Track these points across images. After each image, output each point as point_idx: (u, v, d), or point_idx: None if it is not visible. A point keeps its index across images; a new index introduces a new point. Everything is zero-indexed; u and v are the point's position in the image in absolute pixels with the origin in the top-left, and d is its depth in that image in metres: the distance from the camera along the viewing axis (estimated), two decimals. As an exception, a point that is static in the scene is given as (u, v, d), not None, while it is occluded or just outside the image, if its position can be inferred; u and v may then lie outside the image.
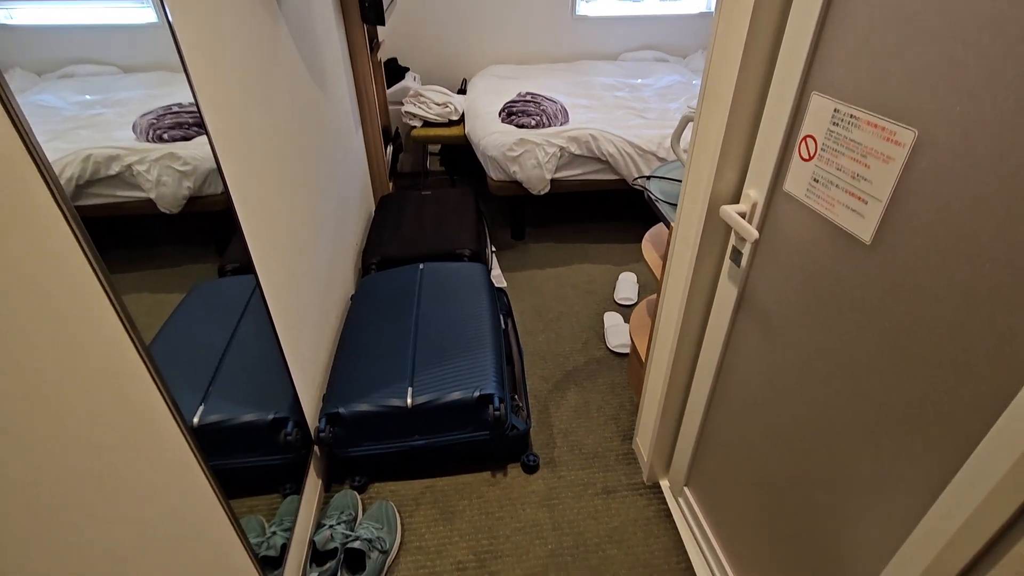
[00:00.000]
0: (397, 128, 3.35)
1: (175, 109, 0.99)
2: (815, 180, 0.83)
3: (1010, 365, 0.59)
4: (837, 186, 0.79)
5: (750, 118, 0.96)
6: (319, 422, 1.47)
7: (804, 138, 0.85)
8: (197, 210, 1.09)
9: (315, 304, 1.63)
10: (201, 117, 1.00)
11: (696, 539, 1.40)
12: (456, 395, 1.47)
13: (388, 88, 3.24)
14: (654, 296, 1.94)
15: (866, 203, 0.75)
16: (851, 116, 0.75)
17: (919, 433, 0.71)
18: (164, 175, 0.99)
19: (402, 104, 3.15)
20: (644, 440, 1.59)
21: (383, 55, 3.18)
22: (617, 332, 2.12)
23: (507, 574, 1.38)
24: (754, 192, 0.97)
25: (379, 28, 2.85)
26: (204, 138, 1.05)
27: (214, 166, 1.06)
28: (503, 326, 1.92)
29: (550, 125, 2.58)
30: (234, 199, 1.10)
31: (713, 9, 3.57)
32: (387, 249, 2.19)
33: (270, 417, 1.36)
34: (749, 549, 1.17)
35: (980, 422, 0.62)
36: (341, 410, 1.46)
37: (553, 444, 1.73)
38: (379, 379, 1.54)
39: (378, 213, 2.53)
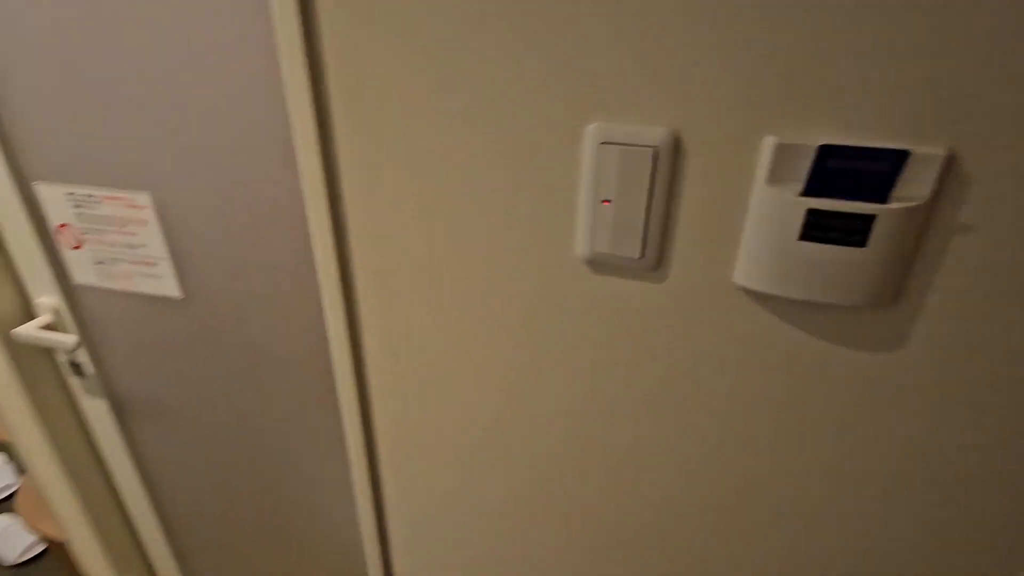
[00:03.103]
0: None
1: None
2: (100, 263, 0.80)
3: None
4: (123, 260, 0.79)
5: (-18, 226, 0.81)
6: None
7: (59, 228, 0.79)
8: None
9: None
10: None
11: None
12: None
13: None
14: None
15: (155, 265, 0.78)
16: (88, 196, 0.75)
17: (313, 413, 0.85)
18: None
19: None
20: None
21: None
22: (10, 538, 1.51)
23: None
24: (48, 299, 0.85)
25: None
26: None
27: None
28: None
29: None
30: None
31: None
32: None
33: None
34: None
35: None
36: None
37: None
38: None
39: None
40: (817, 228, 0.43)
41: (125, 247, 0.77)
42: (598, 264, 0.52)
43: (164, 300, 0.81)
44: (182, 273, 0.77)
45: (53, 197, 0.76)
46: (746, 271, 0.47)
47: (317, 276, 0.64)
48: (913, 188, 0.40)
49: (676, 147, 0.45)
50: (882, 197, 0.41)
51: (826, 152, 0.40)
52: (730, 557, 0.63)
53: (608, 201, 0.48)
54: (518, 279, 0.56)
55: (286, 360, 0.78)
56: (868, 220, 0.41)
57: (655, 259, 0.50)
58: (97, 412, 0.96)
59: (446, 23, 0.47)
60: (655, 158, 0.46)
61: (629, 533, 0.67)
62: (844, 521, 0.56)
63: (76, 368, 0.90)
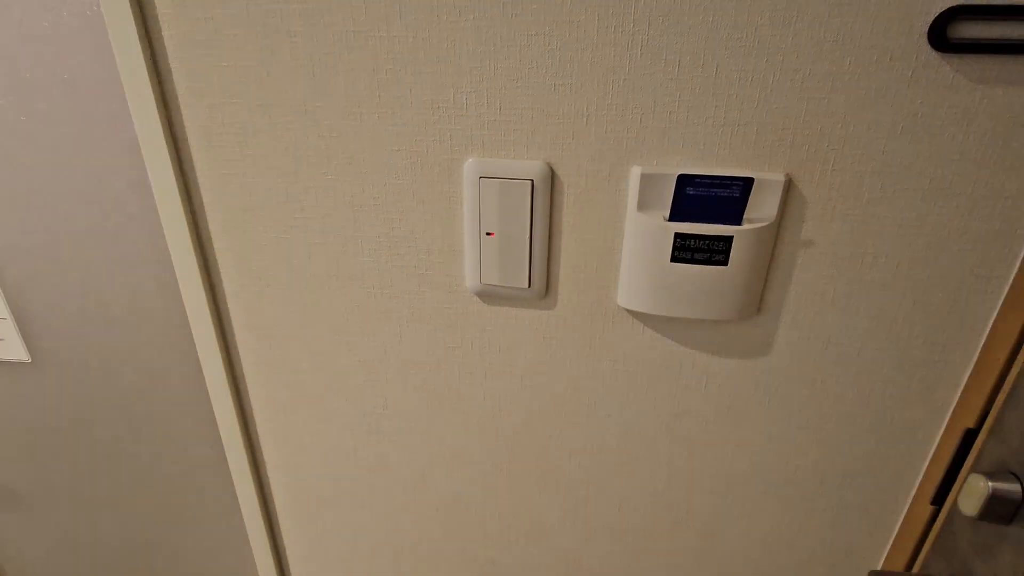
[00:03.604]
0: None
1: None
2: (-79, 328, 0.68)
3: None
4: (-49, 324, 0.68)
5: None
6: None
7: None
8: None
9: None
10: None
11: None
12: None
13: None
14: None
15: (-6, 326, 0.68)
16: (-101, 252, 0.64)
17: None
18: None
19: None
20: None
21: None
22: None
23: None
24: None
25: None
26: None
27: None
28: None
29: None
30: None
31: None
32: None
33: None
34: None
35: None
36: None
37: None
38: None
39: None
40: (685, 250, 0.45)
41: (-47, 309, 0.67)
42: (489, 296, 0.52)
43: (9, 365, 0.70)
44: (29, 333, 0.68)
45: None
46: (627, 294, 0.49)
47: (190, 323, 0.59)
48: (762, 210, 0.44)
49: (552, 179, 0.47)
50: (736, 219, 0.44)
51: (684, 180, 0.43)
52: (632, 563, 0.65)
53: (492, 233, 0.49)
54: (412, 317, 0.55)
55: (163, 422, 0.70)
56: (727, 241, 0.44)
57: (543, 288, 0.51)
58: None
59: (310, 58, 0.45)
60: (532, 190, 0.46)
61: (539, 563, 0.67)
62: (730, 519, 0.59)
63: None
